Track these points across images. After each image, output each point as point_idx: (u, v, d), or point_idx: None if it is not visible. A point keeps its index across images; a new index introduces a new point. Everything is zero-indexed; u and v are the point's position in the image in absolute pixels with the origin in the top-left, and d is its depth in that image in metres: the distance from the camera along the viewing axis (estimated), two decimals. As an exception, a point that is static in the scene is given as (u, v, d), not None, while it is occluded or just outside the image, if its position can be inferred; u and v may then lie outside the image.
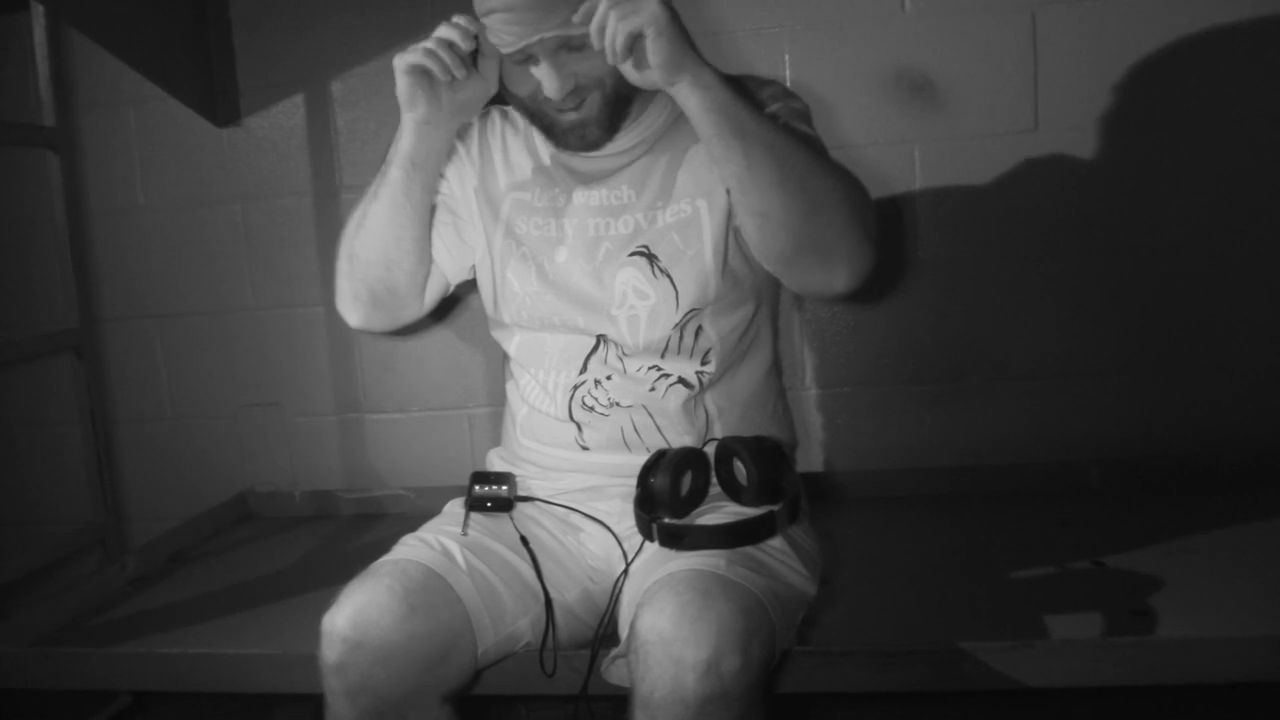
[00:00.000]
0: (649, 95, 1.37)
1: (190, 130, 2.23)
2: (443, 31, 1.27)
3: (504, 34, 1.24)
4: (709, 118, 1.22)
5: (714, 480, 1.35)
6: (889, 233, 2.04)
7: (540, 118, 1.35)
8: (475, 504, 1.41)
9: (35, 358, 2.29)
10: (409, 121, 1.34)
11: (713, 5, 2.05)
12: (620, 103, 1.32)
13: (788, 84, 2.01)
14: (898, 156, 2.03)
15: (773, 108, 1.35)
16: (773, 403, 1.51)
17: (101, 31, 1.94)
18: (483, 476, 1.44)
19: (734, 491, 1.34)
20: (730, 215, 1.35)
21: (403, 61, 1.28)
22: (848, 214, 1.27)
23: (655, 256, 1.36)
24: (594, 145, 1.35)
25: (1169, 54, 1.93)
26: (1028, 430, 2.05)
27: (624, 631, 1.22)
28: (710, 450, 1.36)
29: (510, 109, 1.46)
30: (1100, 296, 2.02)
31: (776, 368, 1.54)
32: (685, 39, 1.21)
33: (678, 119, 1.37)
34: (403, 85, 1.30)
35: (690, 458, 1.33)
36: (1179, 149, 1.96)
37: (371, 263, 1.41)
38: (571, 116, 1.31)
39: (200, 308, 2.33)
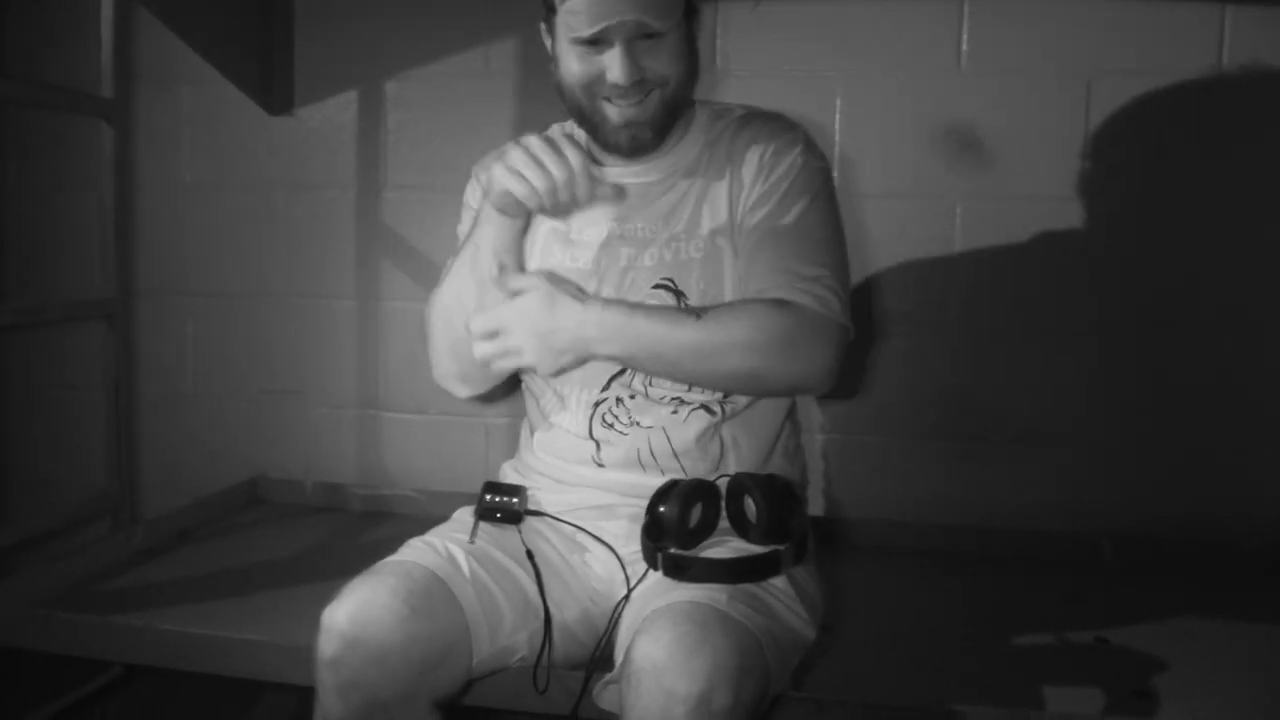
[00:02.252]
0: (689, 119, 1.41)
1: (242, 115, 2.25)
2: (560, 169, 1.23)
3: (585, 15, 1.25)
4: (634, 366, 1.33)
5: (723, 514, 1.35)
6: (922, 286, 2.03)
7: (592, 114, 1.35)
8: (485, 513, 1.41)
9: (67, 322, 2.32)
10: (496, 217, 1.32)
11: (766, 44, 2.06)
12: (676, 107, 1.35)
13: (836, 127, 2.02)
14: (939, 211, 2.02)
15: (769, 194, 1.36)
16: (788, 441, 1.50)
17: (167, 10, 1.97)
18: (494, 487, 1.44)
19: (742, 528, 1.34)
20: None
21: (509, 179, 1.24)
22: (760, 359, 1.27)
23: (681, 292, 1.37)
24: (643, 148, 1.36)
25: (1219, 133, 1.93)
26: (1044, 498, 2.03)
27: (619, 656, 1.21)
28: (722, 484, 1.36)
29: (551, 131, 1.47)
30: (1131, 372, 2.00)
31: (795, 407, 1.54)
32: (558, 340, 1.26)
33: (704, 151, 1.40)
34: (499, 196, 1.28)
35: (701, 490, 1.33)
36: (1222, 228, 1.95)
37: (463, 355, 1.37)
38: (630, 111, 1.32)
39: (234, 290, 2.35)
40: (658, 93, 1.32)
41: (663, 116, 1.34)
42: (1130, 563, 1.94)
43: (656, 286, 1.38)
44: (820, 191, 1.39)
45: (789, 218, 1.35)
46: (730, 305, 1.33)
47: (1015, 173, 1.99)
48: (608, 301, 1.30)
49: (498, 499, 1.42)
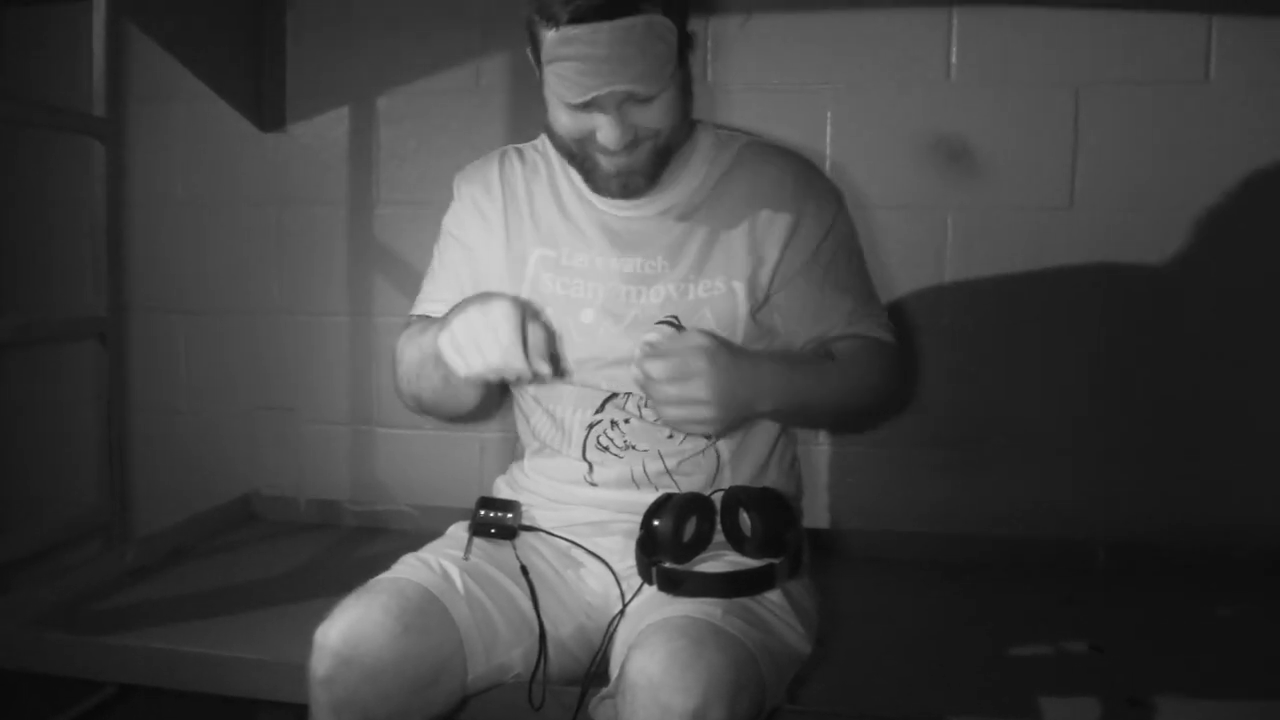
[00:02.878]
0: (688, 150, 1.39)
1: (234, 132, 2.26)
2: (494, 357, 1.17)
3: (574, 83, 1.20)
4: (777, 419, 1.32)
5: (718, 528, 1.35)
6: (916, 296, 2.04)
7: (584, 161, 1.32)
8: (479, 529, 1.41)
9: (60, 341, 2.32)
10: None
11: (757, 60, 2.07)
12: (668, 154, 1.32)
13: (827, 140, 2.03)
14: (931, 221, 2.03)
15: (812, 254, 1.38)
16: (784, 453, 1.50)
17: (158, 27, 1.98)
18: (489, 502, 1.44)
19: (737, 541, 1.33)
20: (762, 298, 1.38)
21: (450, 352, 1.20)
22: (878, 396, 1.41)
23: (684, 329, 1.34)
24: (635, 193, 1.33)
25: (1210, 143, 1.94)
26: (1039, 504, 2.03)
27: (615, 672, 1.21)
28: (717, 498, 1.36)
29: (524, 147, 1.47)
30: (1123, 377, 2.01)
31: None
32: (737, 397, 1.20)
33: (717, 187, 1.38)
34: (456, 366, 1.20)
35: (696, 504, 1.33)
36: (1212, 238, 1.96)
37: (429, 406, 1.43)
38: (620, 161, 1.28)
39: (226, 306, 2.35)
40: (649, 143, 1.28)
41: (655, 163, 1.31)
42: (1125, 569, 1.95)
43: (661, 322, 1.36)
44: (847, 224, 1.44)
45: (838, 265, 1.40)
46: (849, 348, 1.36)
47: (1006, 182, 2.00)
48: (761, 355, 1.29)
49: (492, 514, 1.42)
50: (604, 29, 1.16)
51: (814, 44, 2.05)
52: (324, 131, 2.27)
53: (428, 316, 1.42)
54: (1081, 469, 2.03)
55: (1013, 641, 1.61)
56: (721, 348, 1.19)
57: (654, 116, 1.25)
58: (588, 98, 1.20)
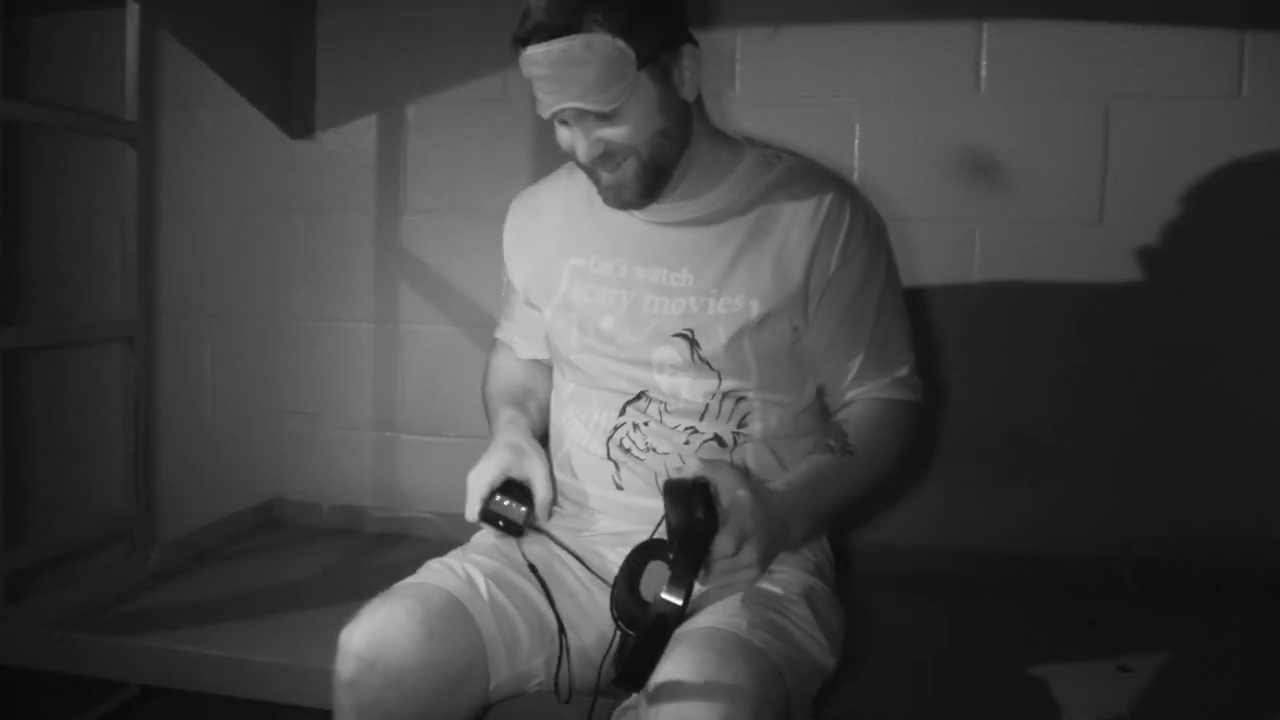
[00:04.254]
0: (730, 163, 1.39)
1: (264, 139, 2.27)
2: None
3: (539, 101, 1.28)
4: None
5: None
6: (942, 309, 2.03)
7: (589, 172, 1.36)
8: (487, 516, 1.37)
9: (88, 344, 2.34)
10: None
11: (785, 72, 2.07)
12: (659, 169, 1.32)
13: (855, 152, 2.03)
14: (958, 234, 2.02)
15: (849, 289, 1.37)
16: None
17: (190, 34, 2.00)
18: (510, 487, 1.38)
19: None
20: (785, 321, 1.36)
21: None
22: (902, 461, 1.42)
23: (697, 343, 1.36)
24: (630, 206, 1.36)
25: (1242, 158, 1.92)
26: (1064, 521, 2.02)
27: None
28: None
29: None
30: (1148, 395, 1.99)
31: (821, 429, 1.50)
32: (775, 547, 1.22)
33: (754, 204, 1.37)
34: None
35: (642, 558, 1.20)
36: (1244, 254, 1.94)
37: None
38: (606, 178, 1.32)
39: (253, 312, 2.36)
40: (632, 160, 1.30)
41: (646, 178, 1.32)
42: (1150, 588, 1.92)
43: (676, 335, 1.37)
44: (890, 266, 1.43)
45: (873, 313, 1.39)
46: (866, 424, 1.37)
47: (1034, 197, 1.99)
48: (790, 492, 1.27)
49: (506, 502, 1.37)
50: (542, 49, 1.23)
51: (842, 56, 2.04)
52: (352, 139, 2.28)
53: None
54: (1107, 486, 2.01)
55: (1035, 659, 1.59)
56: (760, 505, 1.19)
57: (622, 133, 1.28)
58: (547, 114, 1.29)
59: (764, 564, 1.21)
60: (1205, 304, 1.96)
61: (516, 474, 1.38)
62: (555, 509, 1.45)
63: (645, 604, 1.12)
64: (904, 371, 1.42)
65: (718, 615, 1.20)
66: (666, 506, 1.15)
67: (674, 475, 1.20)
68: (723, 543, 1.15)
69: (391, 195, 2.27)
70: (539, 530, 1.40)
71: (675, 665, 1.10)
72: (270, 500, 2.32)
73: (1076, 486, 2.02)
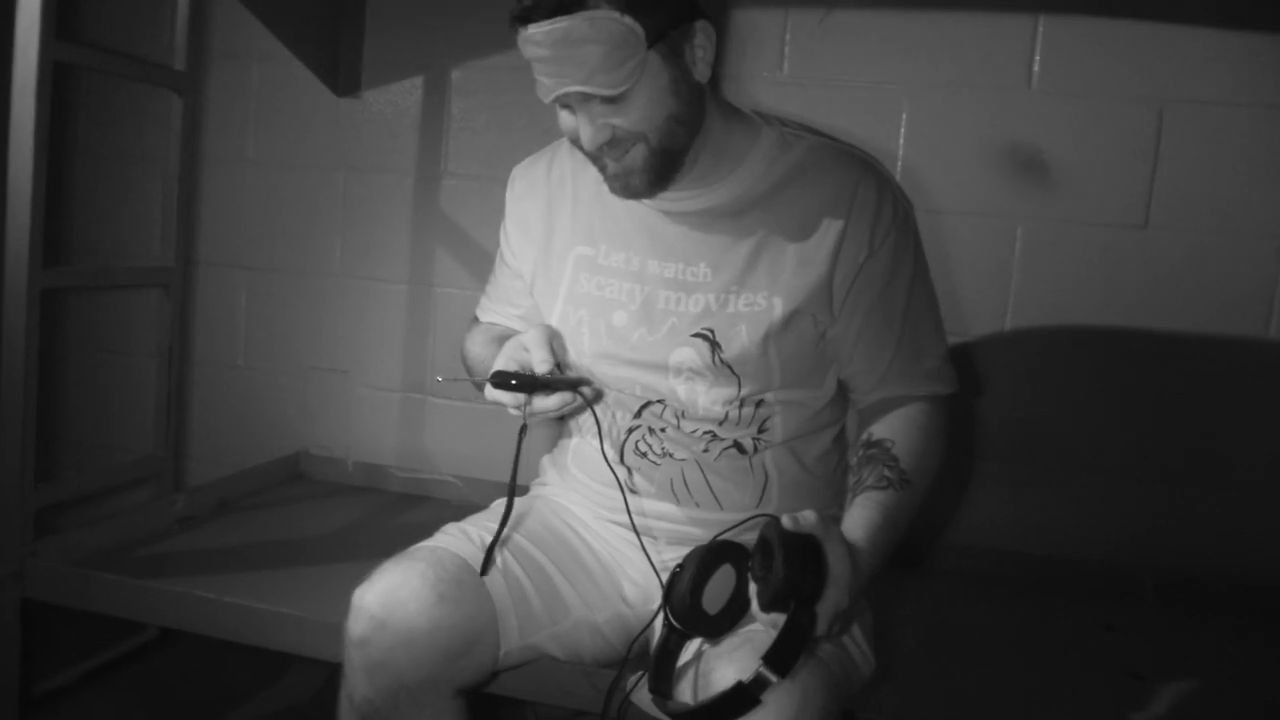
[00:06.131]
0: (745, 147, 1.31)
1: (309, 94, 2.28)
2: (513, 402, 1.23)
3: (539, 85, 1.19)
4: None
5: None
6: (978, 305, 2.01)
7: (594, 160, 1.27)
8: (499, 380, 1.24)
9: (126, 288, 2.37)
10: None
11: (834, 55, 2.04)
12: (669, 155, 1.24)
13: (900, 140, 2.00)
14: (1000, 230, 2.00)
15: (878, 281, 1.31)
16: (834, 469, 1.44)
17: (242, -13, 2.00)
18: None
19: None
20: (809, 319, 1.30)
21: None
22: (948, 457, 1.36)
23: (718, 345, 1.30)
24: (638, 194, 1.27)
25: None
26: (1087, 525, 2.00)
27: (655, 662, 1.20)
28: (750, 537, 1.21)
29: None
30: (1184, 405, 1.96)
31: (844, 429, 1.47)
32: (850, 599, 1.13)
33: (774, 190, 1.30)
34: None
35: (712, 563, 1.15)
36: (1290, 270, 1.91)
37: None
38: (614, 166, 1.24)
39: (289, 266, 2.38)
40: (640, 146, 1.22)
41: (656, 165, 1.24)
42: (1171, 597, 1.91)
43: (695, 335, 1.31)
44: (918, 252, 1.35)
45: (902, 305, 1.32)
46: (914, 439, 1.31)
47: (1081, 196, 1.96)
48: (871, 546, 1.19)
49: (513, 367, 1.25)
50: (543, 28, 1.13)
51: (892, 43, 2.01)
52: (397, 100, 2.29)
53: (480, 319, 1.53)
54: (1132, 493, 1.99)
55: (1050, 663, 1.59)
56: (856, 578, 1.13)
57: (631, 118, 1.19)
58: (550, 99, 1.19)
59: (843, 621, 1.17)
60: (1246, 318, 1.92)
61: (522, 358, 1.27)
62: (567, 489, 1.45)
63: (705, 613, 1.13)
64: (937, 361, 1.36)
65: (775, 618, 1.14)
66: (778, 556, 1.08)
67: (787, 524, 1.12)
68: (822, 624, 1.10)
69: (433, 158, 2.27)
70: (553, 382, 1.25)
71: (741, 670, 1.09)
72: (296, 453, 2.34)
73: (1101, 493, 2.00)
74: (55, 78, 1.68)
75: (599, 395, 1.37)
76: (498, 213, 1.50)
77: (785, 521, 1.12)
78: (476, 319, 1.57)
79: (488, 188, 2.22)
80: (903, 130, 2.03)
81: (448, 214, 2.27)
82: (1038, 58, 1.96)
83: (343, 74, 2.28)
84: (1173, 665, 1.59)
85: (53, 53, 1.67)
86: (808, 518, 1.12)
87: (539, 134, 1.88)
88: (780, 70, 2.07)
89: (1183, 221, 1.92)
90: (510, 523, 1.32)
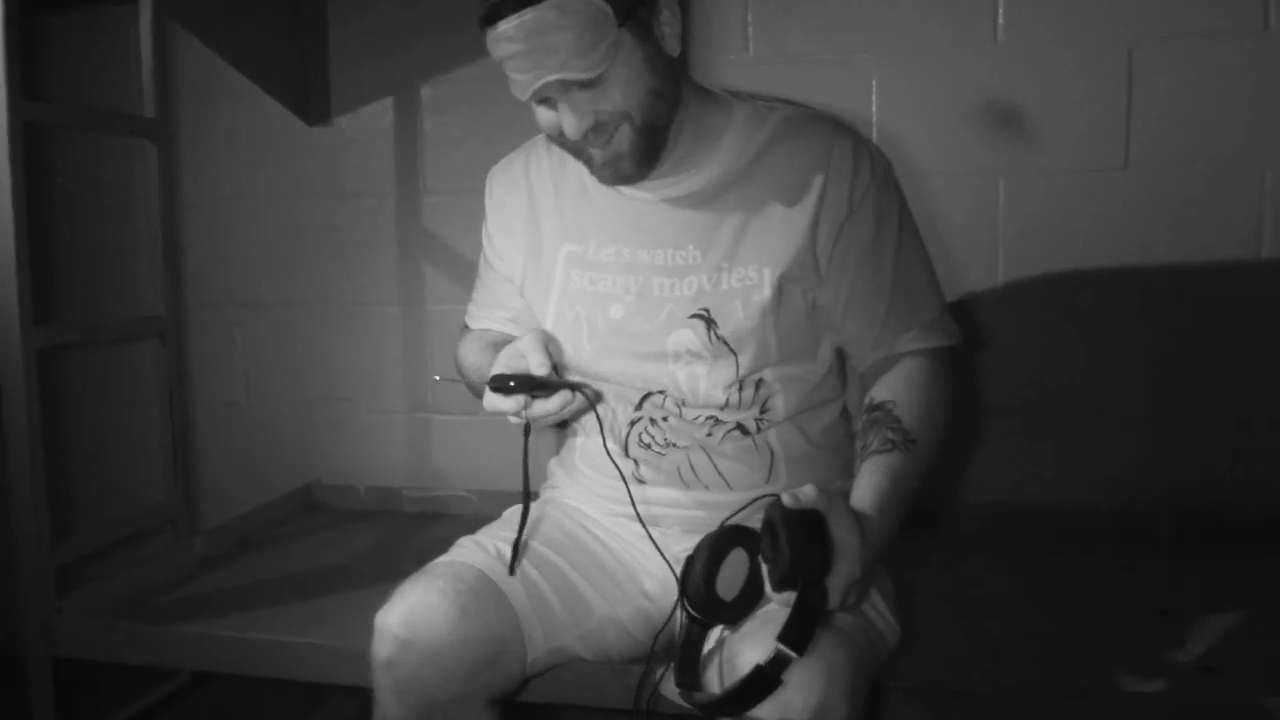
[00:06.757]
0: (721, 126, 1.31)
1: (282, 127, 2.29)
2: (511, 408, 1.21)
3: (514, 83, 1.18)
4: None
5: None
6: (969, 262, 2.01)
7: (577, 154, 1.27)
8: (498, 384, 1.21)
9: (121, 342, 2.37)
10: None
11: (799, 32, 2.04)
12: (654, 132, 1.23)
13: (873, 108, 2.00)
14: (982, 187, 2.00)
15: (863, 244, 1.29)
16: (841, 440, 1.43)
17: (203, 27, 2.01)
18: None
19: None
20: (797, 286, 1.29)
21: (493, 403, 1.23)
22: (954, 409, 1.33)
23: (714, 322, 1.30)
24: (629, 179, 1.27)
25: (1270, 93, 1.88)
26: (1098, 471, 2.00)
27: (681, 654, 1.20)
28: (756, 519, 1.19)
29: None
30: (1182, 341, 1.96)
31: (845, 397, 1.47)
32: (862, 569, 1.10)
33: (752, 165, 1.30)
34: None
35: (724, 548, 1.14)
36: (1272, 196, 1.90)
37: None
38: (601, 154, 1.24)
39: (281, 300, 2.39)
40: (625, 128, 1.21)
41: (643, 144, 1.23)
42: (1188, 533, 1.91)
43: (692, 316, 1.31)
44: (902, 207, 1.34)
45: (891, 261, 1.31)
46: (915, 395, 1.28)
47: (1059, 144, 1.96)
48: (879, 513, 1.17)
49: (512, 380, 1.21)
50: (513, 24, 1.13)
51: (857, 13, 2.02)
52: (369, 123, 2.29)
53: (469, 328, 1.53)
54: (1141, 434, 1.99)
55: (1076, 608, 1.59)
56: (865, 547, 1.11)
57: (614, 98, 1.19)
58: (528, 94, 1.18)
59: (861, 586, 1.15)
60: (1237, 246, 1.92)
61: (518, 365, 1.23)
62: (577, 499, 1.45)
63: (721, 600, 1.12)
64: (934, 314, 1.33)
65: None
66: (782, 535, 1.07)
67: (788, 501, 1.11)
68: (834, 598, 1.09)
69: (411, 177, 2.28)
70: (551, 384, 1.23)
71: (765, 652, 1.07)
72: (309, 484, 2.35)
73: (1109, 437, 2.00)
74: (27, 136, 1.68)
75: (599, 395, 1.37)
76: (480, 225, 1.50)
77: (786, 499, 1.11)
78: (467, 327, 1.57)
79: (469, 201, 2.18)
80: (875, 98, 2.03)
81: (432, 231, 2.28)
82: (1001, 10, 1.96)
83: (312, 103, 2.28)
84: (1197, 599, 1.60)
85: (23, 112, 1.67)
86: (808, 493, 1.11)
87: (515, 142, 1.88)
88: (746, 51, 2.07)
89: (1163, 157, 1.93)
90: (525, 530, 1.32)
